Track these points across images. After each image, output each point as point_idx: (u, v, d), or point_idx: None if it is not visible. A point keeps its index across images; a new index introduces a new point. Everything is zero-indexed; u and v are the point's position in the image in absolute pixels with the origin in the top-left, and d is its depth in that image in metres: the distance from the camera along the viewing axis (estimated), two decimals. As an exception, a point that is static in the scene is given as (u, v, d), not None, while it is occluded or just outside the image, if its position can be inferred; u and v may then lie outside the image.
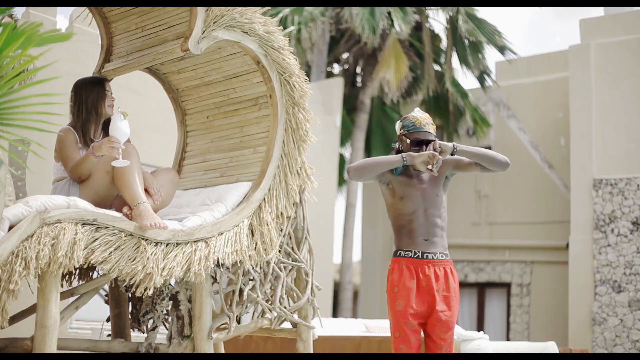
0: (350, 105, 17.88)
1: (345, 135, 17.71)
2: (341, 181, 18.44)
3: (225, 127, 6.48)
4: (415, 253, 5.19)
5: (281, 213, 5.98)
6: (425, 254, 5.18)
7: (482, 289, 17.28)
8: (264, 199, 5.87)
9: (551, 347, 8.77)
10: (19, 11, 8.41)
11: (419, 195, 5.27)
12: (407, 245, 5.24)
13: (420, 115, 5.42)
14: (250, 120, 6.30)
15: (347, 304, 16.38)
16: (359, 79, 18.46)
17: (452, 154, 5.19)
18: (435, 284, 5.14)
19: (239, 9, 5.66)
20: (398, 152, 5.42)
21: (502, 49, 16.98)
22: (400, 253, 5.25)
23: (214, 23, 5.50)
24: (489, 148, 17.19)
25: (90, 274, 5.91)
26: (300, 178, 6.16)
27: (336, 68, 19.17)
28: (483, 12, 31.02)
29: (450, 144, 5.17)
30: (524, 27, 57.54)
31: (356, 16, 15.83)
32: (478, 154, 5.22)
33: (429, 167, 5.05)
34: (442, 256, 5.23)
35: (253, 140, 6.23)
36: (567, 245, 14.63)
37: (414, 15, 17.00)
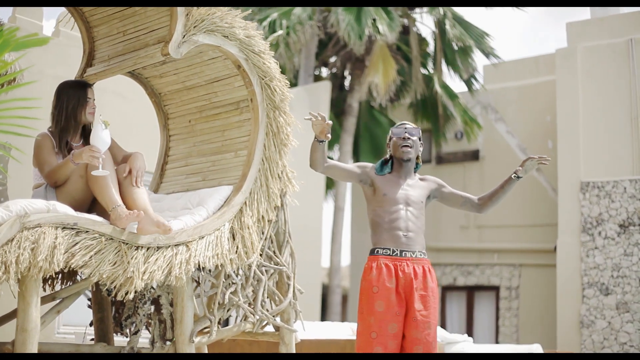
0: (338, 109, 17.88)
1: (334, 139, 17.71)
2: (329, 185, 18.46)
3: (207, 131, 6.50)
4: (394, 251, 5.14)
5: (262, 217, 6.00)
6: (404, 252, 5.13)
7: (471, 292, 17.30)
8: (245, 202, 5.89)
9: (536, 350, 8.79)
10: (4, 16, 8.42)
11: (403, 194, 5.29)
12: (385, 241, 5.18)
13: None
14: (232, 124, 6.31)
15: (335, 308, 16.37)
16: (346, 83, 18.46)
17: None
18: (415, 283, 5.08)
19: (219, 13, 5.67)
20: (387, 160, 5.49)
21: (488, 54, 17.02)
22: (378, 251, 5.19)
23: (194, 27, 5.51)
24: (477, 152, 17.33)
25: (73, 278, 5.91)
26: (282, 182, 6.18)
27: (324, 72, 19.18)
28: (472, 16, 31.09)
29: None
30: (518, 31, 57.63)
31: (342, 22, 15.83)
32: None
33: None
34: (420, 254, 5.19)
35: (234, 144, 6.25)
36: (555, 248, 14.65)
37: (400, 20, 17.03)
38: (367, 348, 5.05)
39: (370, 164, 5.49)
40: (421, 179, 5.49)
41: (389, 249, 5.15)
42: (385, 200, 5.26)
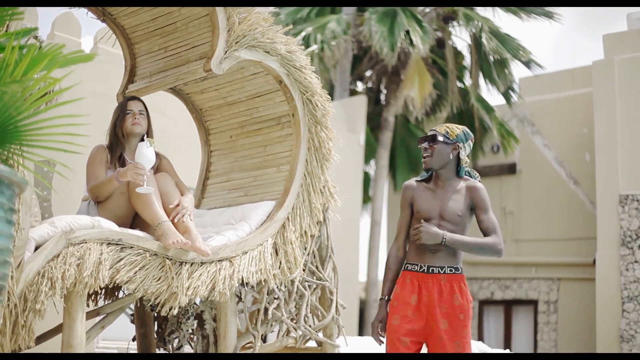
0: (374, 123, 17.88)
1: (370, 153, 17.71)
2: (366, 199, 18.43)
3: (248, 146, 6.51)
4: (421, 267, 4.97)
5: (305, 232, 5.99)
6: (431, 268, 4.95)
7: (508, 306, 17.18)
8: (288, 217, 5.88)
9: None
10: (43, 33, 8.50)
11: (437, 207, 5.05)
12: (414, 257, 5.02)
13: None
14: (273, 140, 6.32)
15: (373, 322, 16.30)
16: (382, 97, 18.45)
17: (442, 243, 4.91)
18: (438, 300, 4.91)
19: (260, 28, 5.68)
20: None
21: (527, 64, 16.92)
22: (407, 267, 5.06)
23: (236, 43, 5.53)
24: (514, 165, 17.23)
25: (116, 293, 5.92)
26: (324, 196, 6.17)
27: (359, 86, 19.18)
28: (507, 28, 31.04)
29: (437, 234, 4.91)
30: (549, 44, 57.43)
31: (375, 33, 15.84)
32: (472, 248, 4.95)
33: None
34: (450, 270, 4.96)
35: (276, 159, 6.26)
36: (594, 262, 14.54)
37: (435, 33, 17.02)
38: None
39: (410, 185, 5.24)
40: (468, 186, 5.13)
41: (417, 265, 5.00)
42: (420, 215, 5.07)
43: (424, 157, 5.14)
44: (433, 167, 5.12)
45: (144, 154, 5.18)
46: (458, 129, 5.16)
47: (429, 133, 5.19)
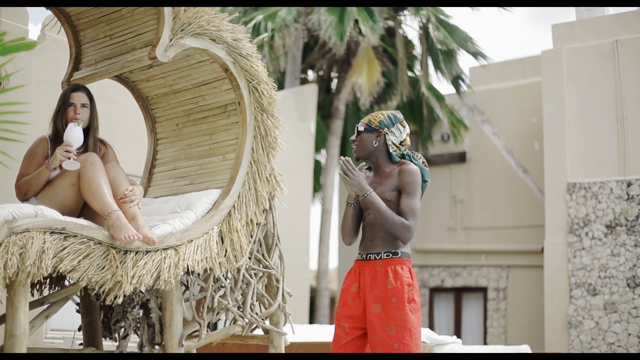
0: (325, 111, 17.88)
1: (321, 142, 17.72)
2: (317, 187, 18.45)
3: (194, 134, 6.49)
4: (361, 255, 5.04)
5: (251, 220, 5.99)
6: (368, 255, 4.98)
7: (458, 293, 17.32)
8: (234, 206, 5.88)
9: (525, 351, 8.81)
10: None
11: None
12: (359, 247, 5.11)
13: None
14: (220, 128, 6.31)
15: (323, 310, 16.35)
16: (333, 86, 18.45)
17: (360, 195, 4.91)
18: (371, 285, 4.91)
19: (206, 16, 5.66)
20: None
21: (475, 55, 17.04)
22: (356, 256, 5.13)
23: (181, 31, 5.51)
24: (464, 154, 17.35)
25: (61, 283, 5.89)
26: (270, 185, 6.17)
27: (310, 75, 19.17)
28: (458, 18, 31.19)
29: (361, 187, 4.90)
30: (504, 34, 57.81)
31: (324, 22, 15.85)
32: (386, 217, 4.87)
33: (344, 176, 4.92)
34: (387, 255, 4.94)
35: (222, 148, 6.24)
36: (542, 249, 14.68)
37: (386, 22, 17.07)
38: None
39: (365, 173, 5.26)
40: (399, 170, 5.08)
41: (360, 254, 5.06)
42: (361, 202, 5.08)
43: (353, 148, 5.15)
44: (361, 157, 5.13)
45: (72, 134, 5.23)
46: (382, 115, 5.15)
47: (360, 123, 5.18)
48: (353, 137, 5.15)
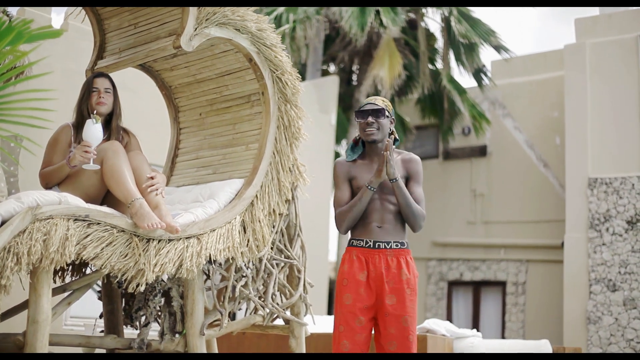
0: (345, 103, 17.89)
1: (341, 133, 17.72)
2: (336, 179, 18.44)
3: (217, 124, 6.50)
4: (367, 242, 4.94)
5: (273, 210, 5.99)
6: (377, 243, 4.91)
7: (477, 287, 17.30)
8: (256, 195, 5.88)
9: (544, 346, 8.77)
10: (13, 8, 8.42)
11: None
12: (360, 233, 4.97)
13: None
14: (243, 118, 6.31)
15: (342, 302, 16.35)
16: (354, 77, 18.46)
17: (390, 178, 4.88)
18: (386, 275, 4.87)
19: (231, 7, 5.67)
20: (357, 141, 5.25)
21: (497, 48, 17.00)
22: (352, 242, 5.01)
23: (206, 20, 5.51)
24: (485, 148, 17.30)
25: (83, 270, 5.91)
26: (293, 175, 6.17)
27: (332, 67, 19.17)
28: (480, 12, 31.08)
29: (394, 171, 4.86)
30: (527, 27, 57.55)
31: (345, 13, 15.85)
32: (409, 204, 4.90)
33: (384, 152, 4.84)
34: (396, 245, 4.93)
35: (245, 138, 6.24)
36: (562, 244, 14.63)
37: (408, 15, 17.03)
38: (335, 342, 4.90)
39: (342, 161, 5.21)
40: (403, 158, 5.13)
41: (363, 240, 4.96)
42: (360, 190, 4.99)
43: (369, 131, 5.06)
44: (377, 141, 5.08)
45: (91, 132, 5.18)
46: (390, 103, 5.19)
47: (371, 107, 5.10)
48: (372, 119, 5.06)
